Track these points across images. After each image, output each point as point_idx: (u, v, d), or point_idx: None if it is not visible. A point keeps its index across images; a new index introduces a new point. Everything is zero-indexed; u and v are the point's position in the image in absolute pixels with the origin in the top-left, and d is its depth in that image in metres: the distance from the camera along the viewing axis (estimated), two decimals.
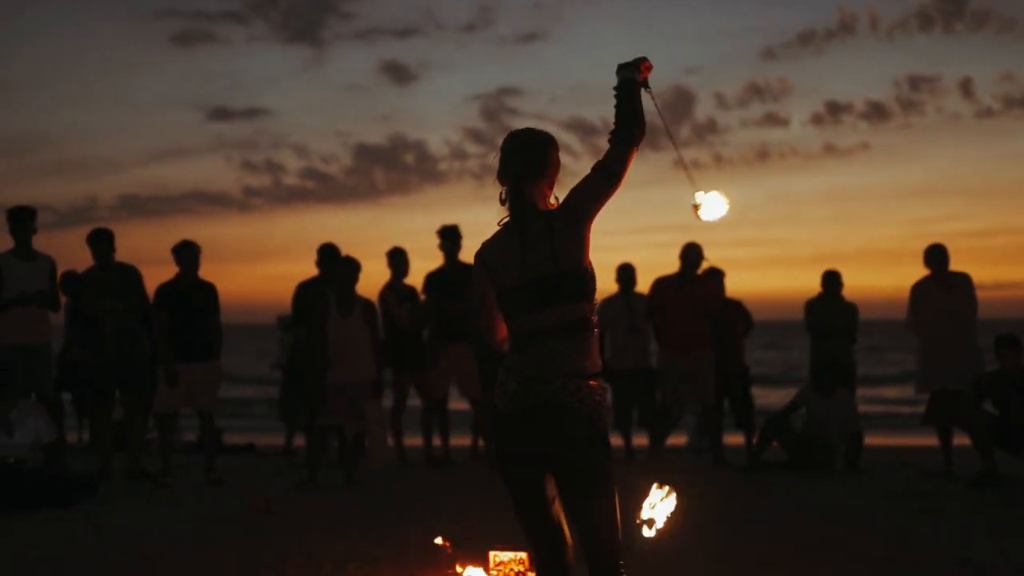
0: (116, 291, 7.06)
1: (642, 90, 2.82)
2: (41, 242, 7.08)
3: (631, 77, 2.79)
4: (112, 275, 7.11)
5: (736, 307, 8.75)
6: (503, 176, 2.81)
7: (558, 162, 2.85)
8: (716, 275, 8.61)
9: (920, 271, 7.88)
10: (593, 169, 2.76)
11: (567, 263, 2.70)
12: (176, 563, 4.65)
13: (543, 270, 2.69)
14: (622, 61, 2.83)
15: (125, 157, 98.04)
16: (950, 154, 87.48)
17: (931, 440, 8.40)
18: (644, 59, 2.84)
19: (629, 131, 2.74)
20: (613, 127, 2.77)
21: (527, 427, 2.70)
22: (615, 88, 2.80)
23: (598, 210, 2.73)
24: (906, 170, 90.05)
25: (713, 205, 3.00)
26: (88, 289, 7.05)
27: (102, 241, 7.08)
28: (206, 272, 7.36)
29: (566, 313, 2.69)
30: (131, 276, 7.18)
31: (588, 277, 2.73)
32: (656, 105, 2.87)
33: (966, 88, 75.02)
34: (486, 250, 2.82)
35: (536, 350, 2.69)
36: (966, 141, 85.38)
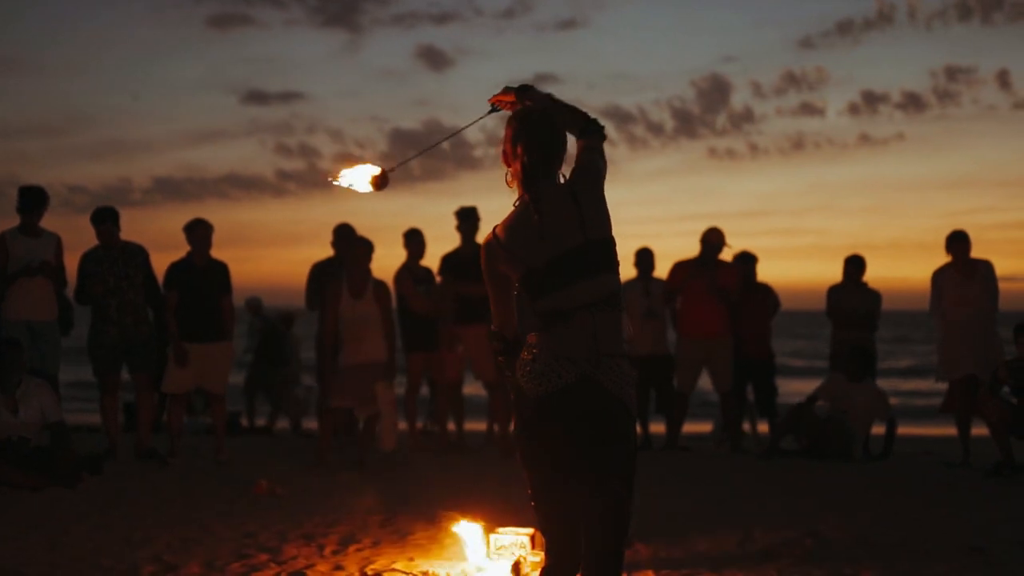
0: (120, 270, 7.03)
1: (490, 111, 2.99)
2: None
3: (535, 92, 2.90)
4: (116, 254, 7.08)
5: (765, 291, 8.56)
6: (516, 158, 2.75)
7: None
8: (748, 260, 8.42)
9: None
10: (585, 150, 2.78)
11: (595, 232, 2.66)
12: (175, 543, 4.62)
13: (572, 241, 2.64)
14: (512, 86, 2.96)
15: (160, 140, 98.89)
16: (986, 145, 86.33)
17: (951, 430, 8.28)
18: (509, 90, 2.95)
19: (598, 129, 2.82)
20: (580, 131, 2.83)
21: (556, 407, 2.61)
22: (539, 101, 2.88)
23: (604, 181, 2.77)
24: (941, 161, 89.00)
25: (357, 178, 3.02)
26: (92, 268, 7.02)
27: (106, 220, 7.05)
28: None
29: (599, 285, 2.63)
30: (136, 255, 7.15)
31: (614, 246, 2.71)
32: (477, 121, 3.07)
33: (1003, 79, 74.04)
34: (506, 233, 2.72)
35: (568, 328, 2.61)
36: (1002, 133, 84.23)
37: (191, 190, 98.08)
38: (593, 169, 2.74)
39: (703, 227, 8.16)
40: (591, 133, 2.79)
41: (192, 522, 5.10)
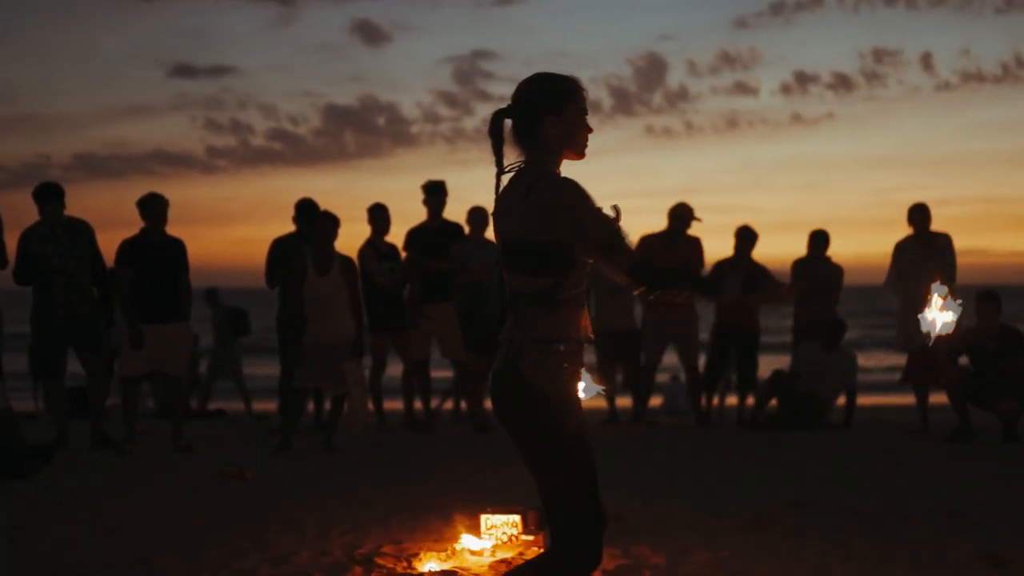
0: (66, 248, 6.69)
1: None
2: None
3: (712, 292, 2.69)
4: (61, 231, 6.73)
5: (761, 270, 8.47)
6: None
7: (557, 105, 2.53)
8: (749, 236, 8.29)
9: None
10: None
11: (532, 234, 2.51)
12: (142, 535, 4.39)
13: (511, 234, 2.56)
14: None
15: (81, 114, 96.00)
16: (910, 125, 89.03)
17: (895, 399, 8.48)
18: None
19: (648, 283, 2.52)
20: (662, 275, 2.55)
21: (494, 389, 2.61)
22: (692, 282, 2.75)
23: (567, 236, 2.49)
24: (869, 140, 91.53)
25: (941, 319, 3.24)
26: (36, 247, 6.65)
27: (51, 198, 6.68)
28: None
29: (528, 283, 2.54)
30: (82, 232, 6.80)
31: (552, 253, 2.50)
32: None
33: (926, 62, 76.25)
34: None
35: (511, 310, 2.60)
36: (925, 113, 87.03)
37: (116, 167, 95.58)
38: (565, 221, 2.47)
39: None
40: (639, 272, 2.49)
41: (160, 509, 4.88)
